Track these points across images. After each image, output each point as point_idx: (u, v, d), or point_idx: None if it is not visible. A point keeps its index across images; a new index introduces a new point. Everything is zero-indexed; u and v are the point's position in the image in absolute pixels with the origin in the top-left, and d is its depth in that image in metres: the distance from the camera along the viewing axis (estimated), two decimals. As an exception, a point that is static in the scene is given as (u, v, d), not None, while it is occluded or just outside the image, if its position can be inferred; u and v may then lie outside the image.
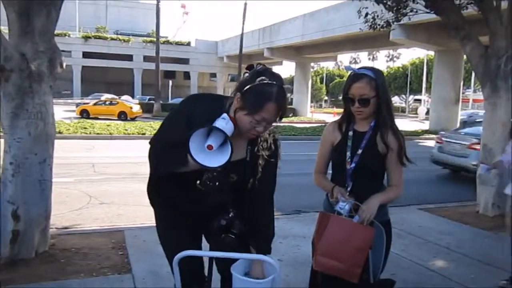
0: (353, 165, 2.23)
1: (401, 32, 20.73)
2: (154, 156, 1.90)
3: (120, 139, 15.95)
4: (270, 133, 1.98)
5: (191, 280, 2.02)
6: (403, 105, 56.62)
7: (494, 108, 6.19)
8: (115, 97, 32.88)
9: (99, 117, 25.23)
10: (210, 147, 1.64)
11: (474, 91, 45.98)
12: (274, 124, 1.89)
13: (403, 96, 56.16)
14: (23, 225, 3.81)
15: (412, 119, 39.91)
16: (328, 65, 69.77)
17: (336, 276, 2.15)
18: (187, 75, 52.40)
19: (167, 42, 48.54)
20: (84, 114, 25.87)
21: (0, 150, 3.84)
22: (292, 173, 8.42)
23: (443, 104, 24.10)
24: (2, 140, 3.79)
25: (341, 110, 2.46)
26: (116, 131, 16.94)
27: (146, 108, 30.72)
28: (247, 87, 1.78)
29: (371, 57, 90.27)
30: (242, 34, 31.97)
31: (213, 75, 54.40)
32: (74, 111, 27.69)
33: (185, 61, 50.80)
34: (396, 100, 55.84)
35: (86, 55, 46.49)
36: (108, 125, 18.41)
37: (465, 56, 13.80)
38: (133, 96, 41.17)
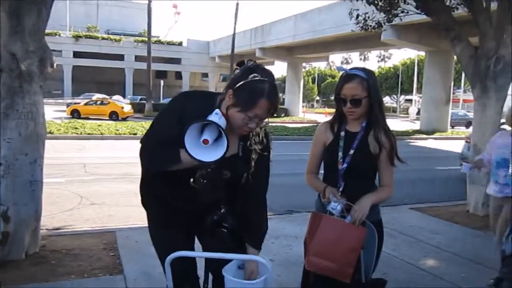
0: (345, 165, 2.24)
1: (392, 33, 20.84)
2: (146, 155, 1.88)
3: (111, 139, 15.87)
4: (262, 127, 1.99)
5: (183, 280, 2.02)
6: (394, 105, 57.00)
7: (484, 108, 6.25)
8: (106, 97, 32.68)
9: (90, 117, 25.08)
10: (206, 142, 1.64)
11: (464, 92, 46.39)
12: (265, 120, 1.90)
13: (394, 96, 56.54)
14: (13, 226, 3.77)
15: (403, 119, 40.17)
16: (319, 65, 70.03)
17: (328, 276, 2.16)
18: (178, 75, 52.28)
19: (159, 42, 48.38)
20: (75, 114, 25.68)
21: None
22: (284, 173, 8.43)
23: (434, 104, 24.29)
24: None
25: (333, 110, 2.47)
26: (107, 131, 16.85)
27: (138, 108, 30.61)
28: (239, 84, 1.78)
29: (363, 58, 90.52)
30: (234, 34, 31.98)
31: (205, 75, 54.32)
32: (64, 111, 27.47)
33: (176, 61, 50.68)
34: (387, 100, 56.17)
35: (77, 54, 46.20)
36: (99, 125, 18.31)
37: (455, 57, 13.92)
38: (124, 96, 40.95)
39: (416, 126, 27.25)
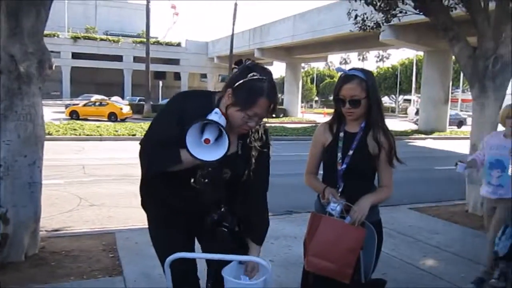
0: (344, 166, 2.24)
1: (391, 33, 20.87)
2: (146, 156, 1.88)
3: (110, 140, 15.85)
4: (260, 124, 1.99)
5: (183, 282, 2.02)
6: (393, 105, 57.01)
7: (483, 108, 6.26)
8: (105, 98, 32.62)
9: (89, 118, 25.06)
10: (207, 141, 1.64)
11: (463, 91, 46.41)
12: (264, 120, 1.91)
13: (393, 96, 56.58)
14: (12, 228, 3.77)
15: (402, 119, 40.19)
16: (318, 66, 70.12)
17: (327, 276, 2.16)
18: (177, 76, 52.23)
19: (157, 43, 48.34)
20: (74, 115, 25.65)
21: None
22: (283, 174, 8.43)
23: (433, 104, 24.31)
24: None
25: (332, 110, 2.48)
26: (106, 133, 16.83)
27: (136, 109, 30.56)
28: (238, 83, 1.79)
29: (361, 58, 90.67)
30: (232, 35, 32.01)
31: (204, 75, 54.28)
32: (63, 112, 27.44)
33: (175, 61, 50.65)
34: (386, 100, 56.26)
35: (75, 55, 46.12)
36: (98, 126, 18.30)
37: (453, 57, 13.93)
38: (123, 97, 40.86)
39: (415, 126, 27.26)
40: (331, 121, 2.39)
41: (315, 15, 28.37)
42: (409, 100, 52.74)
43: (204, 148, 1.66)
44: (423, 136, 22.42)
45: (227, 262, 1.94)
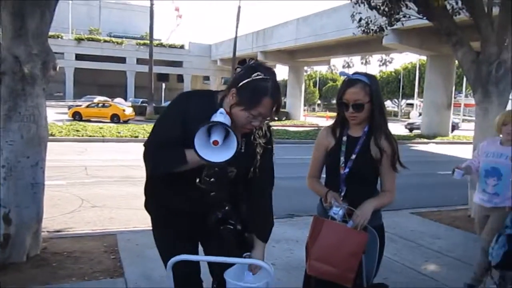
0: (347, 170, 2.24)
1: (394, 37, 20.87)
2: (151, 157, 1.87)
3: (112, 141, 15.88)
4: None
5: (185, 284, 2.02)
6: (396, 109, 56.99)
7: (486, 113, 6.25)
8: (108, 99, 32.73)
9: (92, 119, 25.12)
10: (216, 143, 1.65)
11: (466, 96, 46.38)
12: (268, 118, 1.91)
13: (396, 100, 56.56)
14: (14, 228, 3.78)
15: (404, 123, 40.11)
16: (321, 69, 70.22)
17: (329, 280, 2.15)
18: (180, 78, 52.36)
19: (161, 45, 48.51)
20: (77, 116, 25.72)
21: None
22: (285, 177, 8.41)
23: (435, 108, 24.28)
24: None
25: (334, 114, 2.48)
26: (109, 134, 16.86)
27: (139, 110, 30.64)
28: (243, 82, 1.79)
29: (364, 62, 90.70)
30: (235, 38, 32.01)
31: (207, 78, 54.39)
32: (66, 113, 27.50)
33: (178, 64, 50.77)
34: (388, 104, 56.24)
35: (79, 57, 46.29)
36: (100, 128, 18.33)
37: (457, 62, 13.93)
38: (126, 99, 41.02)
39: (417, 130, 27.20)
40: (334, 125, 2.39)
41: (318, 19, 28.43)
42: (411, 105, 52.67)
43: (213, 150, 1.66)
44: (425, 140, 22.39)
45: (229, 265, 1.93)
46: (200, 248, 2.18)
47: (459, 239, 5.42)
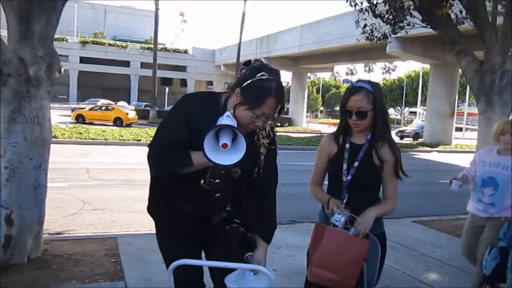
0: (349, 177, 2.24)
1: (398, 45, 20.91)
2: (155, 159, 1.87)
3: (115, 145, 15.91)
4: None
5: (187, 288, 2.01)
6: (399, 117, 56.95)
7: (489, 122, 6.23)
8: (111, 102, 32.85)
9: (95, 122, 25.21)
10: (225, 146, 1.66)
11: (469, 105, 46.30)
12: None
13: (399, 108, 56.55)
14: (16, 230, 3.78)
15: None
16: (324, 76, 70.21)
17: (330, 287, 2.15)
18: (184, 83, 52.47)
19: (165, 49, 48.67)
20: (80, 119, 25.82)
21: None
22: (287, 183, 8.37)
23: (438, 117, 24.28)
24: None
25: (337, 121, 2.48)
26: (112, 137, 16.90)
27: (142, 114, 30.73)
28: (247, 82, 1.81)
29: (367, 69, 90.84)
30: (240, 43, 32.13)
31: (210, 83, 54.49)
32: (69, 115, 27.60)
33: (182, 68, 50.92)
34: (391, 112, 56.22)
35: (83, 60, 46.45)
36: (103, 131, 18.36)
37: (460, 70, 13.93)
38: (129, 102, 41.12)
39: (420, 138, 27.17)
40: (337, 132, 2.39)
41: (322, 26, 28.51)
42: (414, 113, 52.66)
43: (223, 153, 1.67)
44: (428, 149, 22.35)
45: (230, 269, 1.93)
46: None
47: (460, 248, 5.39)
